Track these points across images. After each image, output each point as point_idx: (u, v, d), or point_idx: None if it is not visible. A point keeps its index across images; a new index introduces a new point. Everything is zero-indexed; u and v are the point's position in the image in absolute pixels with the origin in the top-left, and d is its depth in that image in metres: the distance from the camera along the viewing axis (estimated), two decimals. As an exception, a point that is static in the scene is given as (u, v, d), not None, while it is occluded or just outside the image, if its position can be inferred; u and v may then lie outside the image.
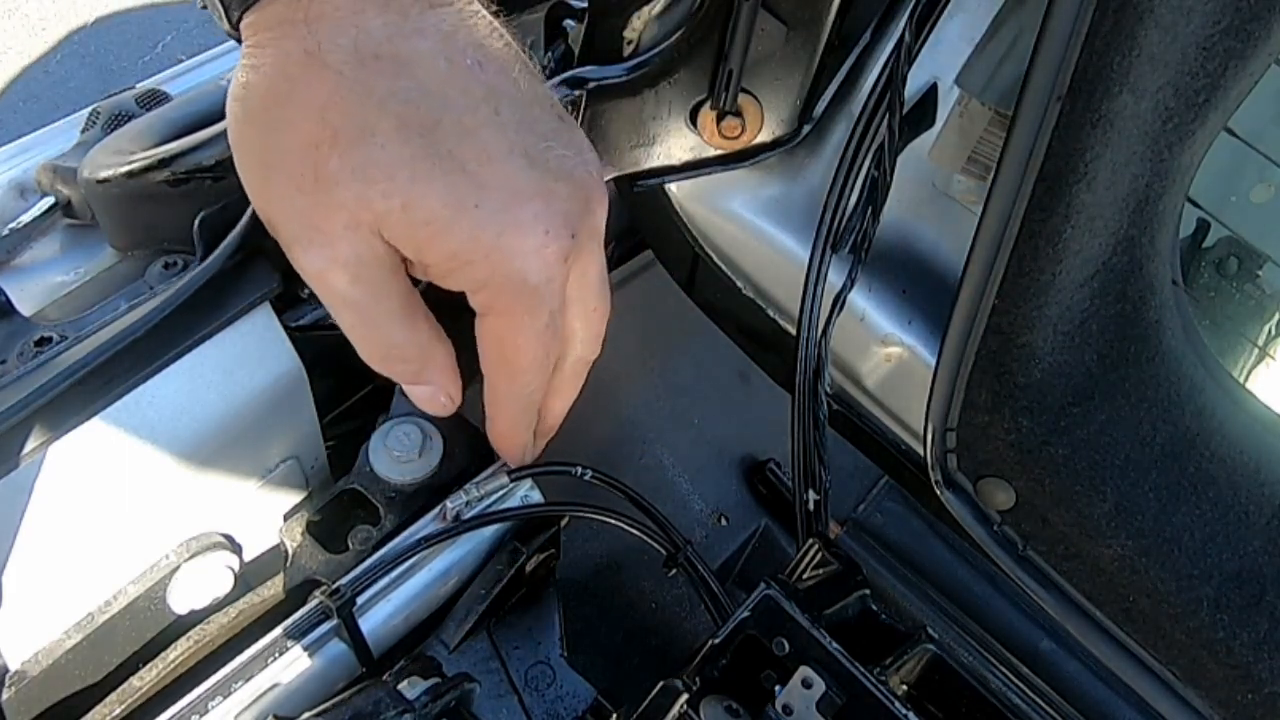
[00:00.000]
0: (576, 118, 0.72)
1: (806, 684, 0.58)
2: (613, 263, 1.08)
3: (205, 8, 0.50)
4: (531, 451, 0.68)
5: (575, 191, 0.51)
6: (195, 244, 0.65)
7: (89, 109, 0.73)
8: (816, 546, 0.67)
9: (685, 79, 0.71)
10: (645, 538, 0.76)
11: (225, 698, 0.61)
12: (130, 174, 0.65)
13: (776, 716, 0.57)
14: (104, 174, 0.66)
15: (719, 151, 0.75)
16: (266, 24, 0.47)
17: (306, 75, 0.46)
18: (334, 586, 0.65)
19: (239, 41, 0.49)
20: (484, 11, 0.50)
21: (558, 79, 0.71)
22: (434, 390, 0.58)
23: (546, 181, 0.50)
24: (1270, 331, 0.99)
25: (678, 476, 1.09)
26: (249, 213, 0.65)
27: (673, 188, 0.81)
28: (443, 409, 0.59)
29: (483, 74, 0.49)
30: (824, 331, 0.71)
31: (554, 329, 0.55)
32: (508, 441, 0.66)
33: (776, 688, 0.59)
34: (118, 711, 0.66)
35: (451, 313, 0.57)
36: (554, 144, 0.51)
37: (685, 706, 0.57)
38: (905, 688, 0.65)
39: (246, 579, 0.74)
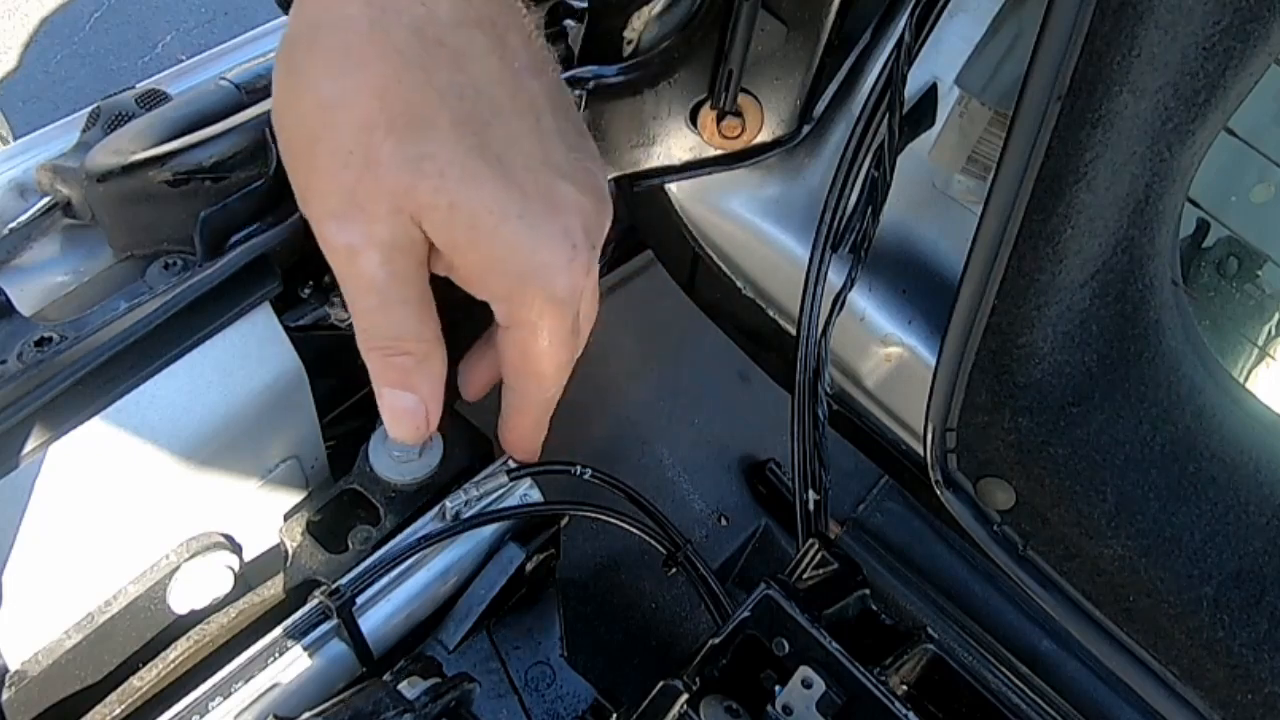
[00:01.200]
0: (577, 118, 0.72)
1: (806, 684, 0.58)
2: (613, 263, 1.08)
3: None
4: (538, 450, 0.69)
5: (598, 206, 0.52)
6: (195, 244, 0.65)
7: (89, 109, 0.73)
8: (816, 546, 0.67)
9: (685, 79, 0.71)
10: (645, 537, 0.76)
11: (225, 698, 0.61)
12: (130, 173, 0.65)
13: (776, 716, 0.57)
14: (104, 174, 0.66)
15: (719, 151, 0.75)
16: None
17: (367, 49, 0.45)
18: (334, 586, 0.66)
19: None
20: (526, 10, 0.50)
21: (558, 79, 0.71)
22: (416, 403, 0.56)
23: (576, 195, 0.50)
24: (1270, 331, 0.99)
25: (678, 476, 1.09)
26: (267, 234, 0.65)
27: (673, 188, 0.81)
28: (416, 431, 0.56)
29: (531, 80, 0.49)
30: (824, 331, 0.71)
31: (576, 335, 0.56)
32: (525, 444, 0.66)
33: (776, 688, 0.59)
34: (118, 711, 0.66)
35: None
36: (579, 155, 0.51)
37: (685, 706, 0.57)
38: (905, 688, 0.65)
39: (246, 579, 0.74)
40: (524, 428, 0.63)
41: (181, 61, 0.85)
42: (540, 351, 0.54)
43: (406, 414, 0.56)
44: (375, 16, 0.44)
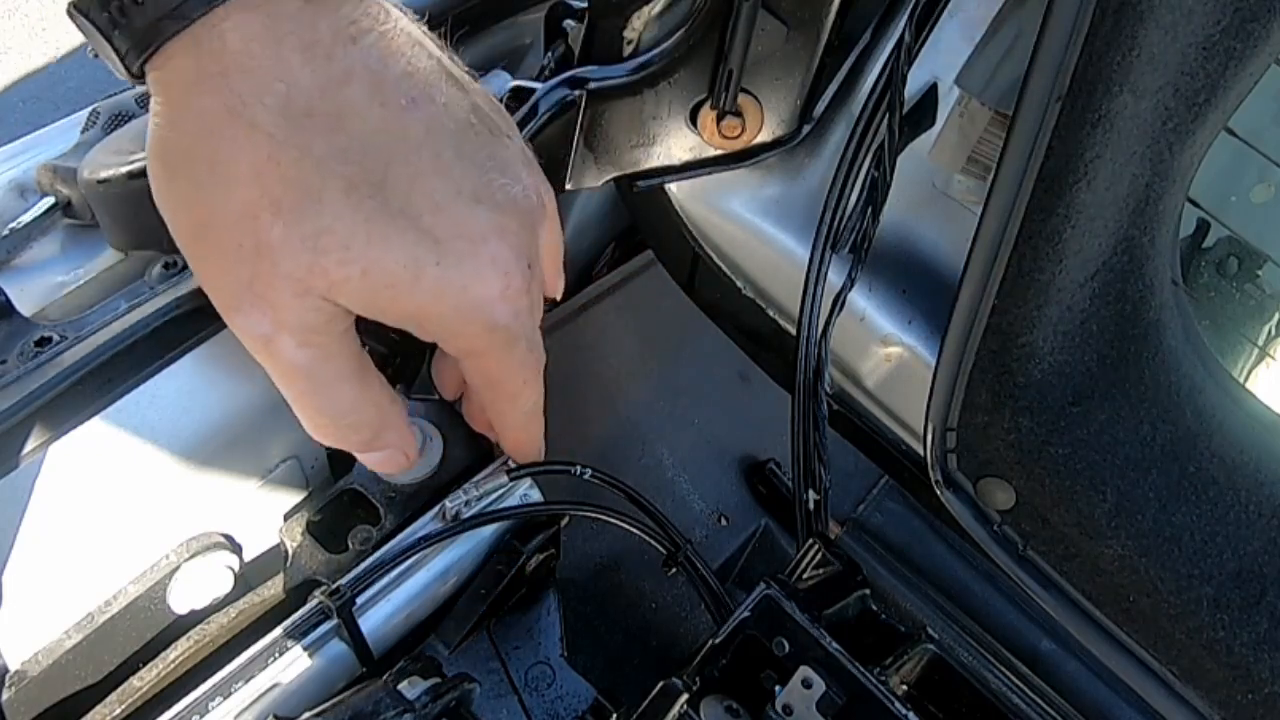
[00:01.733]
0: (576, 117, 0.72)
1: (806, 684, 0.58)
2: (613, 263, 1.08)
3: (96, 57, 0.45)
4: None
5: (523, 220, 0.49)
6: (195, 244, 0.65)
7: (89, 109, 0.73)
8: (816, 546, 0.67)
9: (685, 79, 0.71)
10: (645, 537, 0.76)
11: (225, 698, 0.61)
12: (130, 174, 0.65)
13: (776, 716, 0.57)
14: (104, 174, 0.66)
15: (719, 151, 0.75)
16: (178, 77, 0.42)
17: (233, 136, 0.42)
18: (334, 586, 0.65)
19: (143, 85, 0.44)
20: (403, 19, 0.47)
21: (557, 79, 0.71)
22: (392, 452, 0.56)
23: (496, 218, 0.48)
24: (1270, 331, 0.99)
25: (678, 476, 1.09)
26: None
27: (673, 188, 0.81)
28: (401, 468, 0.58)
29: (418, 112, 0.45)
30: (824, 331, 0.71)
31: (534, 346, 0.54)
32: (519, 445, 0.66)
33: (776, 688, 0.59)
34: (118, 711, 0.66)
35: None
36: (493, 174, 0.48)
37: (685, 706, 0.57)
38: (905, 688, 0.65)
39: (246, 579, 0.74)
40: (514, 434, 0.63)
41: (181, 61, 0.85)
42: (501, 374, 0.53)
43: (386, 462, 0.57)
44: (233, 105, 0.42)
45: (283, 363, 0.48)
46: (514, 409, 0.58)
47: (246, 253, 0.44)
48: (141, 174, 0.65)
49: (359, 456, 0.57)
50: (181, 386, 0.64)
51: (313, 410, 0.51)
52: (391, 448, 0.55)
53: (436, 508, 0.70)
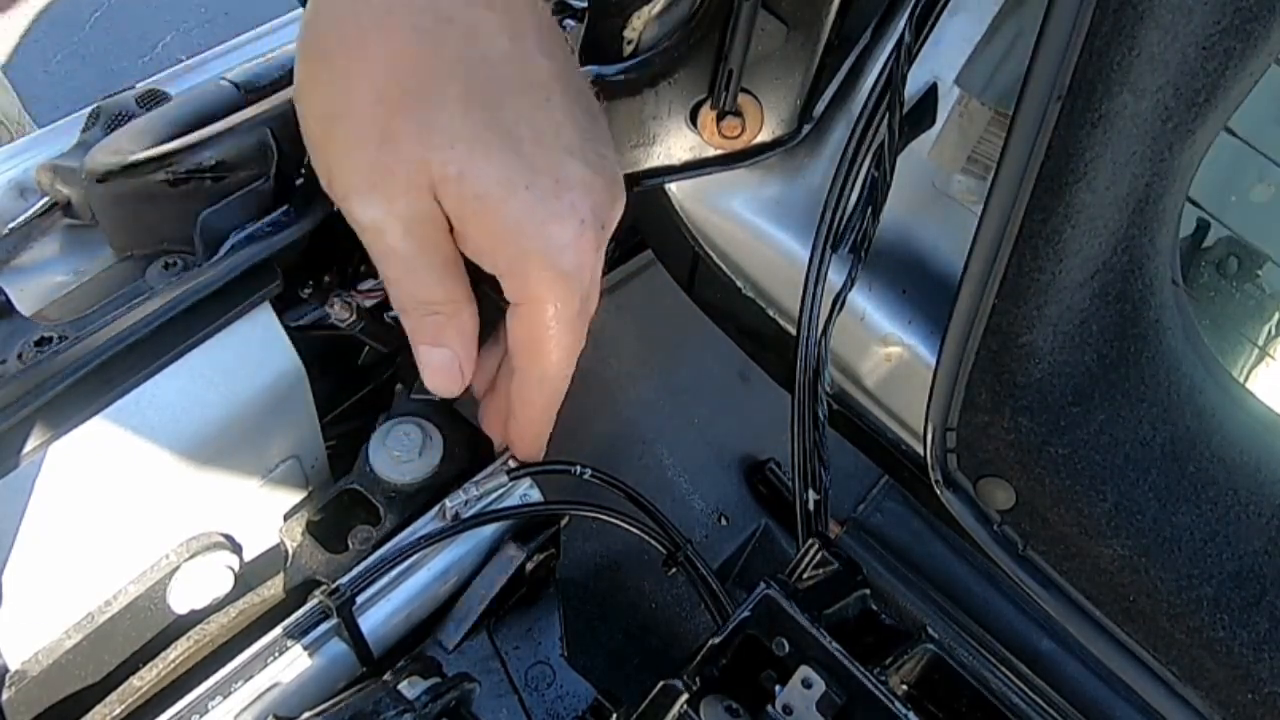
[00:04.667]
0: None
1: (806, 684, 0.58)
2: (613, 263, 1.08)
3: None
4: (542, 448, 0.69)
5: (608, 188, 0.53)
6: (195, 244, 0.65)
7: (89, 109, 0.73)
8: (816, 546, 0.67)
9: (685, 79, 0.71)
10: (645, 537, 0.76)
11: (225, 698, 0.61)
12: (130, 173, 0.65)
13: (776, 716, 0.57)
14: (104, 174, 0.66)
15: (719, 151, 0.75)
16: None
17: (382, 27, 0.46)
18: (334, 586, 0.66)
19: None
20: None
21: (558, 79, 0.71)
22: (450, 358, 0.58)
23: (586, 174, 0.51)
24: (1270, 331, 0.99)
25: (678, 476, 1.09)
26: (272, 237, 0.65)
27: (673, 188, 0.81)
28: (453, 383, 0.59)
29: (543, 60, 0.49)
30: (824, 331, 0.71)
31: (584, 317, 0.56)
32: (529, 435, 0.66)
33: (776, 688, 0.59)
34: (118, 711, 0.66)
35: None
36: (591, 140, 0.52)
37: (685, 706, 0.57)
38: (905, 688, 0.65)
39: (246, 579, 0.74)
40: (529, 420, 0.63)
41: (181, 61, 0.85)
42: (547, 329, 0.55)
43: (442, 368, 0.59)
44: None
45: (385, 247, 0.52)
46: (540, 387, 0.59)
47: (373, 136, 0.47)
48: (141, 173, 0.65)
49: (420, 367, 0.59)
50: (181, 386, 0.64)
51: (398, 290, 0.55)
52: (452, 349, 0.58)
53: (436, 507, 0.70)
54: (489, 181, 0.48)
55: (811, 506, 0.74)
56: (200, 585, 0.71)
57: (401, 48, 0.46)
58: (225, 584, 0.72)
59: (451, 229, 0.52)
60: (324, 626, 0.65)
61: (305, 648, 0.64)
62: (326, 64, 0.48)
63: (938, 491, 0.69)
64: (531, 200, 0.49)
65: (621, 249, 1.07)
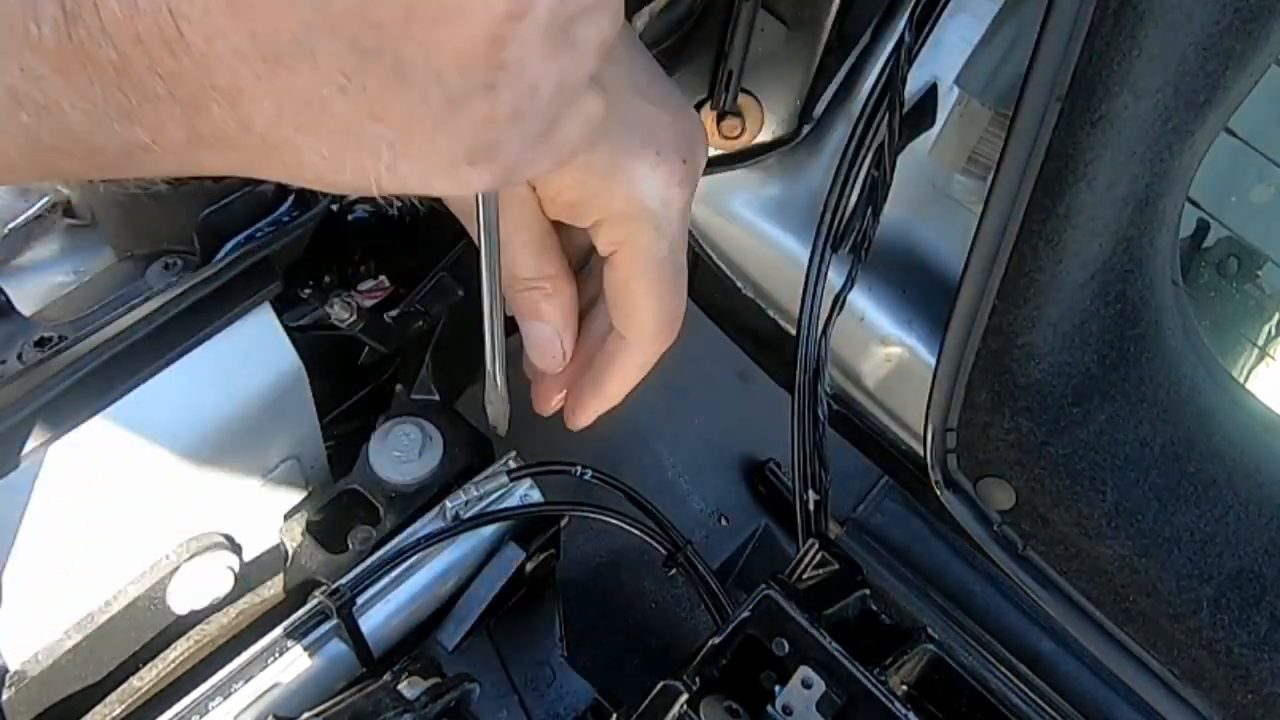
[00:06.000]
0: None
1: (806, 684, 0.58)
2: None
3: None
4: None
5: (679, 123, 0.54)
6: (195, 244, 0.65)
7: (89, 109, 0.73)
8: (816, 546, 0.67)
9: (685, 79, 0.71)
10: (645, 537, 0.76)
11: (225, 698, 0.61)
12: (130, 174, 0.65)
13: (776, 716, 0.57)
14: (104, 174, 0.65)
15: (719, 151, 0.75)
16: None
17: None
18: (334, 586, 0.66)
19: None
20: None
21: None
22: (551, 333, 0.59)
23: (655, 111, 0.53)
24: (1270, 331, 0.99)
25: (678, 476, 1.09)
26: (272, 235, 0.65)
27: (673, 188, 0.81)
28: (554, 358, 0.60)
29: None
30: (824, 331, 0.71)
31: (676, 265, 0.57)
32: (595, 403, 0.66)
33: (776, 688, 0.59)
34: (118, 711, 0.66)
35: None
36: (657, 81, 0.54)
37: (685, 706, 0.57)
38: (905, 688, 0.65)
39: (246, 579, 0.74)
40: (607, 387, 0.64)
41: (181, 61, 0.85)
42: (640, 281, 0.56)
43: (544, 343, 0.60)
44: None
45: (470, 219, 0.53)
46: (631, 349, 0.59)
47: (436, 99, 0.48)
48: (141, 174, 0.65)
49: (526, 343, 0.60)
50: (181, 386, 0.64)
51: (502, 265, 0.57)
52: (554, 325, 0.59)
53: (436, 508, 0.70)
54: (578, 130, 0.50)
55: (811, 506, 0.74)
56: (200, 585, 0.71)
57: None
58: (225, 584, 0.72)
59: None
60: (324, 627, 0.65)
61: (305, 648, 0.64)
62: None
63: (938, 492, 0.69)
64: (612, 146, 0.51)
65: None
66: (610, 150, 0.51)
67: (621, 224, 0.54)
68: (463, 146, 0.42)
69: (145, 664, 0.68)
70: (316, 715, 0.59)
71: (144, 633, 0.71)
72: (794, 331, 0.75)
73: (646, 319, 0.59)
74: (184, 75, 0.36)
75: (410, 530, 0.69)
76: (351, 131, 0.40)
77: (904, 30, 0.64)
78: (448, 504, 0.69)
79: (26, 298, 0.66)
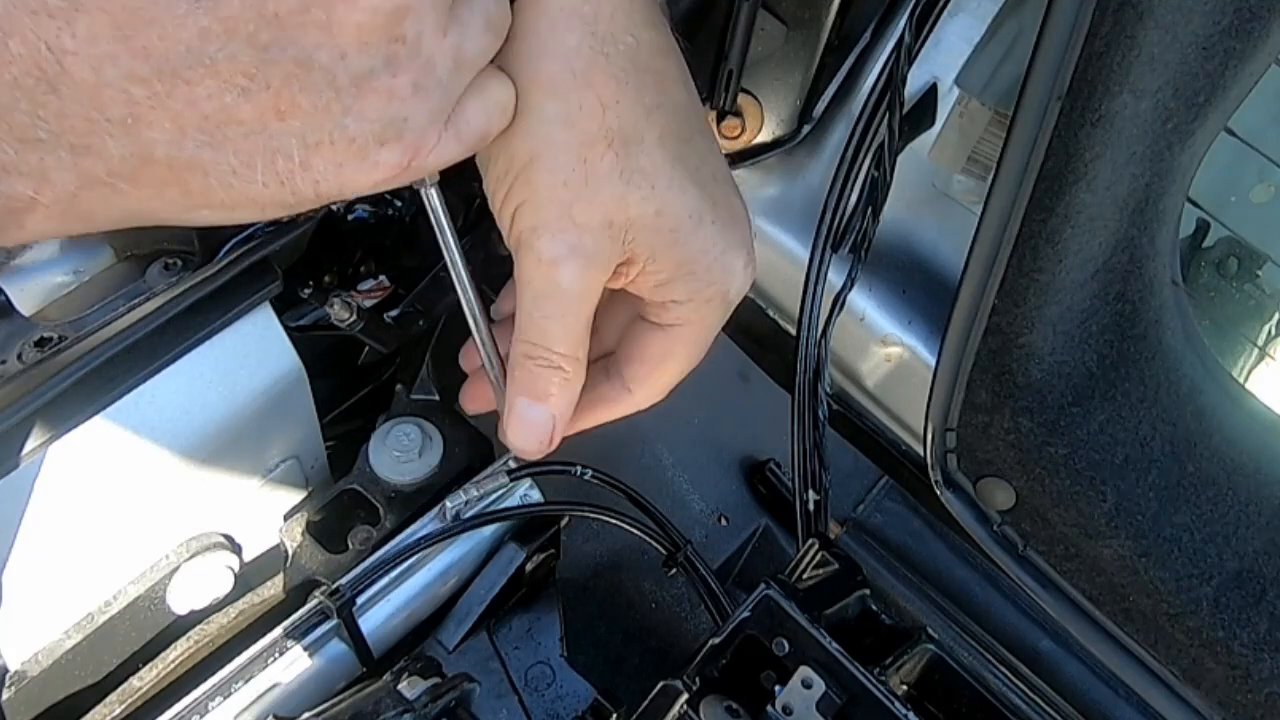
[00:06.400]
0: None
1: (806, 684, 0.58)
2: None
3: None
4: None
5: (747, 218, 0.57)
6: (195, 244, 0.65)
7: (89, 109, 0.73)
8: (816, 546, 0.67)
9: (685, 79, 0.71)
10: (645, 537, 0.76)
11: (225, 698, 0.61)
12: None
13: (776, 716, 0.57)
14: (104, 174, 0.65)
15: (719, 151, 0.75)
16: (547, 6, 0.49)
17: (592, 73, 0.48)
18: (334, 586, 0.66)
19: None
20: None
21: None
22: (548, 418, 0.57)
23: (742, 206, 0.56)
24: (1270, 331, 0.99)
25: (678, 476, 1.09)
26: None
27: (673, 188, 0.81)
28: (539, 445, 0.58)
29: (700, 106, 0.54)
30: (824, 331, 0.71)
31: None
32: (562, 435, 0.66)
33: (776, 688, 0.59)
34: (118, 711, 0.66)
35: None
36: (732, 177, 0.57)
37: (685, 706, 0.57)
38: (905, 688, 0.65)
39: (246, 579, 0.74)
40: (592, 423, 0.64)
41: (181, 61, 0.85)
42: (689, 348, 0.57)
43: (536, 426, 0.57)
44: (595, 45, 0.49)
45: (553, 284, 0.52)
46: (637, 401, 0.60)
47: (576, 178, 0.50)
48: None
49: (509, 419, 0.58)
50: (181, 386, 0.64)
51: (536, 331, 0.55)
52: (554, 411, 0.57)
53: (436, 508, 0.70)
54: (684, 214, 0.52)
55: (811, 506, 0.74)
56: (200, 585, 0.71)
57: (610, 95, 0.49)
58: (225, 584, 0.72)
59: (613, 275, 0.54)
60: (324, 627, 0.65)
61: (305, 648, 0.64)
62: (531, 106, 0.50)
63: (938, 492, 0.69)
64: (715, 232, 0.53)
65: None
66: (717, 243, 0.53)
67: (702, 306, 0.55)
68: (371, 128, 0.41)
69: (145, 664, 0.68)
70: (316, 715, 0.59)
71: (144, 633, 0.71)
72: (794, 331, 0.75)
73: (667, 382, 0.60)
74: (69, 113, 0.35)
75: (410, 530, 0.69)
76: (259, 134, 0.38)
77: (904, 30, 0.64)
78: (447, 504, 0.69)
79: (26, 298, 0.66)
